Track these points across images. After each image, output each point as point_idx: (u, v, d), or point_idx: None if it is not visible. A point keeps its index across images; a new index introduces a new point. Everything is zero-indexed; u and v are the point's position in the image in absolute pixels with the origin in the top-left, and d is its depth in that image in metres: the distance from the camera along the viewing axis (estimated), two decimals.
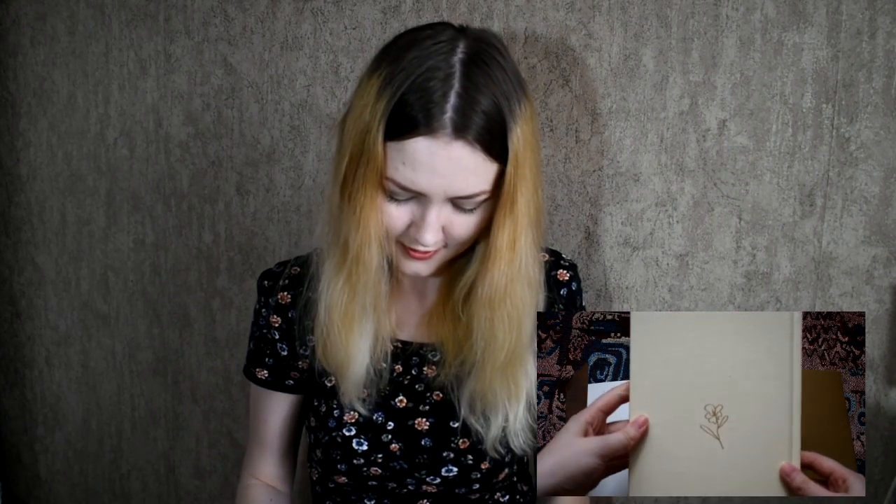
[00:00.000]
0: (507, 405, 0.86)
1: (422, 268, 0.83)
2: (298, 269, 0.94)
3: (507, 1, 1.12)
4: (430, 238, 0.78)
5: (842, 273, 1.04)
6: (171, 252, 1.42)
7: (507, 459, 0.90)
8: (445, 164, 0.74)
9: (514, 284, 0.82)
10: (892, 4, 0.97)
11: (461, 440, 0.89)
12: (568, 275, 0.94)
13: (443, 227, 0.79)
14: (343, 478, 0.90)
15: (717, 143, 1.06)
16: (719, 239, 1.08)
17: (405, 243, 0.81)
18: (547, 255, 0.95)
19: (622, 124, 1.10)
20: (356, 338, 0.85)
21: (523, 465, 0.99)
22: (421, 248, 0.80)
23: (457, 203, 0.78)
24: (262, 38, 1.28)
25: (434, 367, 0.91)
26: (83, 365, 1.54)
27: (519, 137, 0.77)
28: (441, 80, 0.74)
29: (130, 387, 1.51)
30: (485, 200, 0.78)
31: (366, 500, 0.92)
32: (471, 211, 0.79)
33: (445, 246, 0.82)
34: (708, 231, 1.08)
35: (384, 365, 0.89)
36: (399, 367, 0.91)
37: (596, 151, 1.12)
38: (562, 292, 0.93)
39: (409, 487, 0.90)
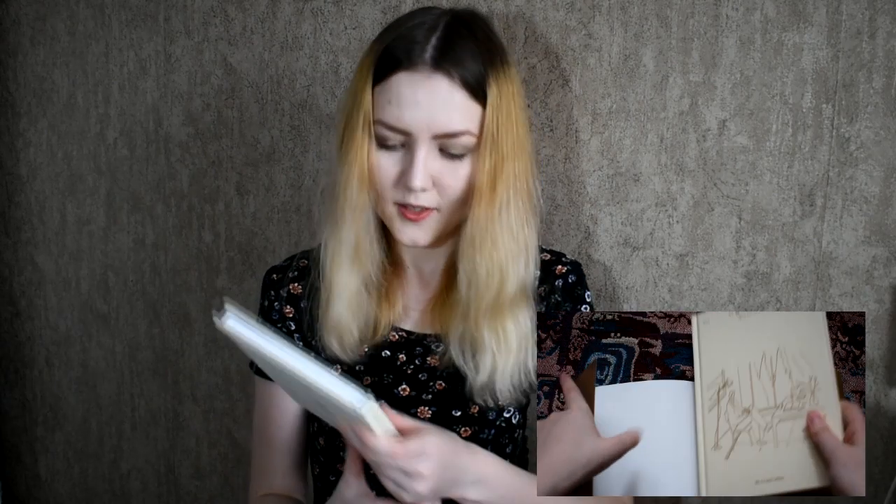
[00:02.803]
0: (496, 353, 0.87)
1: (418, 234, 0.85)
2: (306, 262, 0.95)
3: (507, 1, 1.12)
4: (419, 180, 0.80)
5: (842, 273, 1.04)
6: (171, 252, 1.42)
7: (515, 417, 0.92)
8: (427, 97, 0.80)
9: (494, 226, 0.84)
10: (892, 4, 0.97)
11: (463, 429, 0.89)
12: (565, 269, 0.94)
13: (434, 181, 0.82)
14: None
15: (717, 143, 1.06)
16: (719, 239, 1.08)
17: (399, 201, 0.83)
18: (549, 255, 0.95)
19: (622, 124, 1.10)
20: (346, 276, 0.88)
21: (517, 457, 0.99)
22: (412, 202, 0.82)
23: (444, 147, 0.81)
24: (262, 38, 1.28)
25: (437, 357, 0.91)
26: (83, 365, 1.54)
27: (499, 84, 0.82)
28: (426, 30, 0.82)
29: (130, 387, 1.51)
30: (471, 149, 0.82)
31: None
32: (459, 158, 0.82)
33: (438, 210, 0.84)
34: (708, 231, 1.08)
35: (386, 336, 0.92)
36: (403, 357, 0.92)
37: (596, 151, 1.12)
38: (557, 283, 0.93)
39: None
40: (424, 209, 0.83)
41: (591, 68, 1.10)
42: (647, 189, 1.10)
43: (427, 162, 0.81)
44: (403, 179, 0.82)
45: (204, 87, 1.34)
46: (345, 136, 0.85)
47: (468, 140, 0.81)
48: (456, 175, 0.82)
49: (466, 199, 0.84)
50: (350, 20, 1.22)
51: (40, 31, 1.45)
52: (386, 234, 0.92)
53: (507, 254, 0.86)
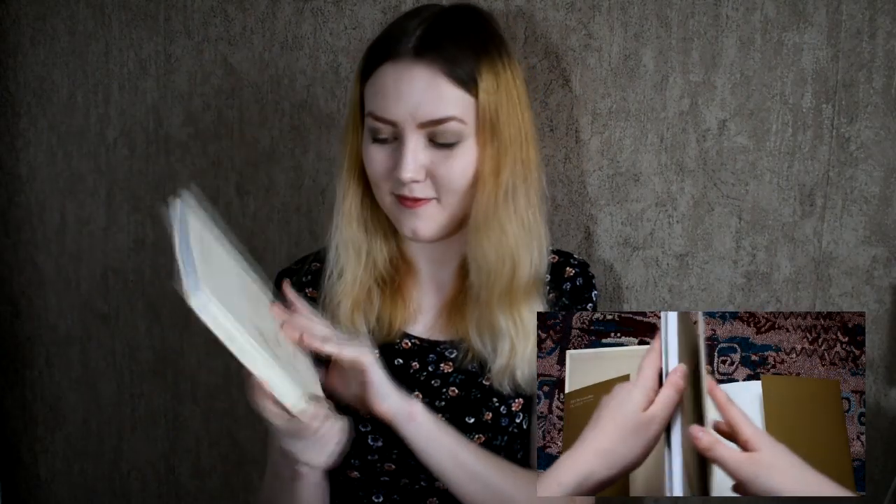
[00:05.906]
0: (514, 339, 0.87)
1: (419, 224, 0.84)
2: (319, 265, 0.94)
3: (507, 1, 1.12)
4: (409, 171, 0.80)
5: (842, 273, 1.04)
6: (170, 252, 1.42)
7: (526, 422, 0.90)
8: (408, 87, 0.80)
9: (500, 212, 0.84)
10: (892, 4, 0.97)
11: (477, 436, 0.88)
12: (573, 271, 0.94)
13: (427, 172, 0.82)
14: (355, 472, 0.90)
15: (717, 143, 1.06)
16: (719, 239, 1.08)
17: (395, 191, 0.84)
18: (557, 257, 0.95)
19: (622, 124, 1.10)
20: (353, 271, 0.90)
21: (528, 464, 0.99)
22: (406, 194, 0.82)
23: (432, 136, 0.81)
24: (262, 38, 1.28)
25: (451, 364, 0.91)
26: (83, 365, 1.54)
27: (496, 73, 0.82)
28: (416, 22, 0.82)
29: (130, 387, 1.51)
30: (463, 138, 0.82)
31: (374, 498, 0.92)
32: (450, 147, 0.82)
33: (438, 199, 0.83)
34: (708, 231, 1.08)
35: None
36: (416, 364, 0.91)
37: (596, 151, 1.12)
38: (565, 287, 0.93)
39: (422, 483, 0.90)
40: (421, 198, 0.83)
41: (591, 68, 1.10)
42: (647, 189, 1.10)
43: (417, 153, 0.81)
44: (395, 172, 0.82)
45: (204, 87, 1.34)
46: (344, 132, 0.88)
47: (456, 126, 0.81)
48: (449, 165, 0.82)
49: (468, 191, 0.84)
50: (350, 20, 1.22)
51: (40, 30, 1.45)
52: (396, 236, 0.92)
53: (518, 241, 0.85)
